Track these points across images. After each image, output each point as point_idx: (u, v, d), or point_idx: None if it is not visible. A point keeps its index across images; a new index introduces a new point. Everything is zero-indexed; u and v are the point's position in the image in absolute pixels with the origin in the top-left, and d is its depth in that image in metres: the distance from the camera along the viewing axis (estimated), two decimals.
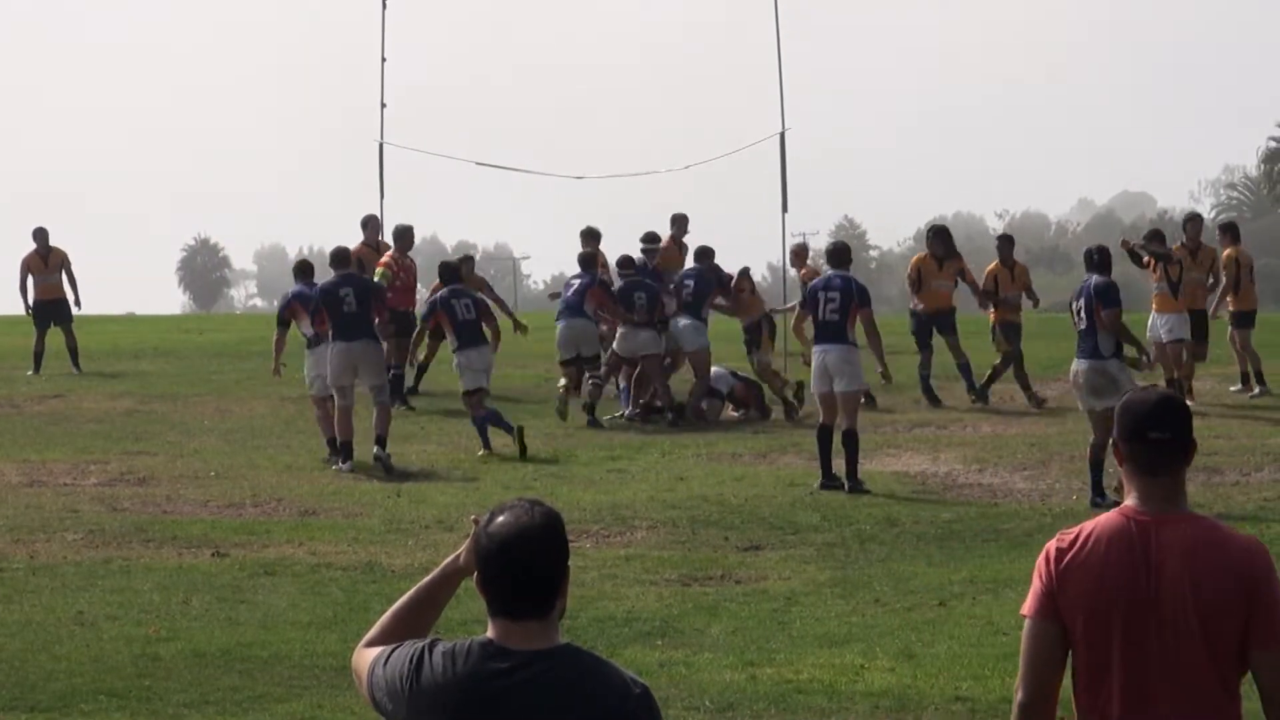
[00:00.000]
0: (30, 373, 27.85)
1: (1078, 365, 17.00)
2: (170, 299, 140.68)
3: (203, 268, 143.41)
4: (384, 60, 28.97)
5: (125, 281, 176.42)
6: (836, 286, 18.38)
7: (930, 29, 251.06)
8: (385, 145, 29.01)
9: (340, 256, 21.02)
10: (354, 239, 26.36)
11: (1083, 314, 16.92)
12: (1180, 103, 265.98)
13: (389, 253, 25.00)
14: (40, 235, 28.16)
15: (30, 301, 28.02)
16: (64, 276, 28.18)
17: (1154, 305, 23.66)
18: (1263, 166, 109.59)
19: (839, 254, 19.10)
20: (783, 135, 27.32)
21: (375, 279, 22.59)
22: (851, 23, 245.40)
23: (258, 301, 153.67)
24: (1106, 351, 16.79)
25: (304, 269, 21.75)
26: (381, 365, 20.68)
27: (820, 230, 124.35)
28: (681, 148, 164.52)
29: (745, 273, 25.52)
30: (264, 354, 22.90)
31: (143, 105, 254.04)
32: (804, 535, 15.85)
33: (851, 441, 18.02)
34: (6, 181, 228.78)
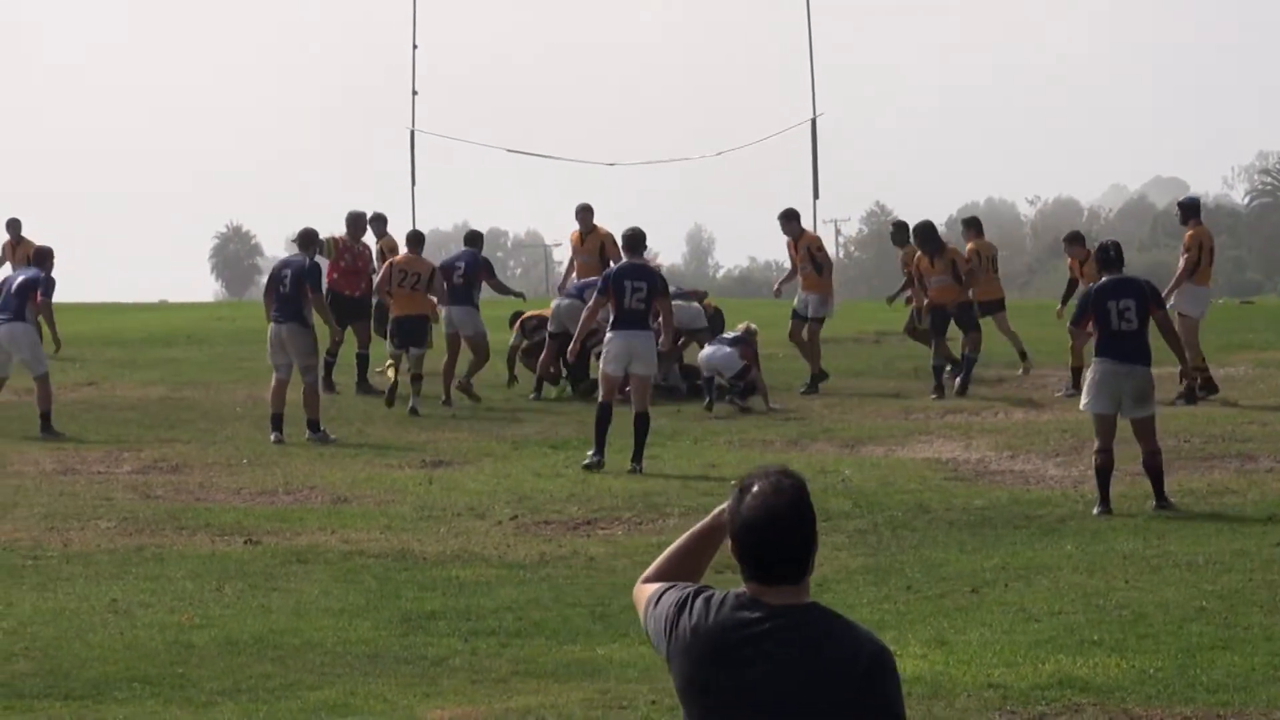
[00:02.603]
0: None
1: (1119, 369, 15.82)
2: (203, 286, 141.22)
3: (235, 255, 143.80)
4: (415, 47, 29.17)
5: (158, 269, 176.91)
6: (644, 277, 18.64)
7: (961, 13, 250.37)
8: (416, 132, 29.15)
9: (303, 238, 21.60)
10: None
11: (1133, 315, 15.84)
12: (1214, 88, 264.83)
13: (340, 235, 25.08)
14: (13, 225, 28.99)
15: None
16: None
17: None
18: None
19: (636, 241, 18.99)
20: (814, 121, 27.38)
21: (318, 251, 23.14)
22: (882, 7, 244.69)
23: None
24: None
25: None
26: (308, 347, 21.16)
27: (851, 216, 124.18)
28: (713, 134, 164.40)
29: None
30: None
31: (175, 94, 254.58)
32: (836, 522, 15.82)
33: (643, 424, 18.39)
34: (40, 169, 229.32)
